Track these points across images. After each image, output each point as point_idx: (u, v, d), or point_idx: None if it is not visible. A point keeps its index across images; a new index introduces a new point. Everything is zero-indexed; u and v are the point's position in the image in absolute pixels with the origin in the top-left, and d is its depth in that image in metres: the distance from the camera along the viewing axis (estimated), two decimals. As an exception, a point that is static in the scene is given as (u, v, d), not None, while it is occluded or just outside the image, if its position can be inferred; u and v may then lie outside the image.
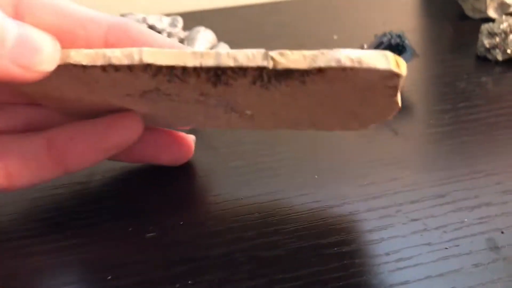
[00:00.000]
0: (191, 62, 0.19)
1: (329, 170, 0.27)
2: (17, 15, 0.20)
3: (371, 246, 0.22)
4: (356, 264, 0.21)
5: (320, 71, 0.18)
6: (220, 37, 0.42)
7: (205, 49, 0.40)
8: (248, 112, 0.23)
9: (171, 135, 0.27)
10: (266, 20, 0.52)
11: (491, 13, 0.47)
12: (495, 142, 0.29)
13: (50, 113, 0.25)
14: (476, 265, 0.21)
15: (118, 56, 0.19)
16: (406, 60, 0.36)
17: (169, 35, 0.38)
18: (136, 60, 0.19)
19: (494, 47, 0.40)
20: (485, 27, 0.40)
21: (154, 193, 0.26)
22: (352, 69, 0.18)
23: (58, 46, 0.19)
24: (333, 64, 0.18)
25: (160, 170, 0.28)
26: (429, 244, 0.22)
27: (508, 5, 0.47)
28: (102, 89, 0.21)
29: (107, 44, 0.22)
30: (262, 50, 0.19)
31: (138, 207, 0.25)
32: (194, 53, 0.19)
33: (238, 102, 0.22)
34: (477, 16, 0.48)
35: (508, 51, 0.39)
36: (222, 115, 0.24)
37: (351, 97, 0.21)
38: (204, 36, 0.40)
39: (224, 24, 0.51)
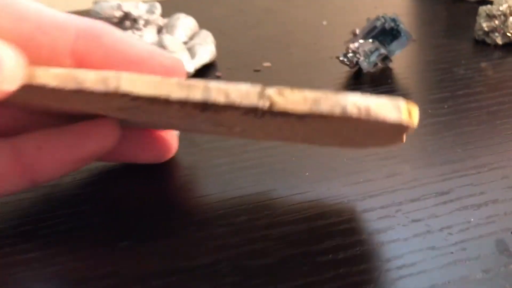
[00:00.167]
0: (176, 94, 0.17)
1: (321, 166, 0.25)
2: None
3: (369, 252, 0.20)
4: (354, 273, 0.19)
5: (322, 115, 0.16)
6: (202, 24, 0.40)
7: (186, 37, 0.37)
8: (238, 129, 0.21)
9: (151, 132, 0.25)
10: (251, 5, 0.50)
11: (489, -6, 0.45)
12: (498, 132, 0.27)
13: (17, 114, 0.22)
14: (485, 271, 0.19)
15: (92, 80, 0.17)
16: (402, 45, 0.34)
17: (147, 22, 0.36)
18: (111, 87, 0.17)
19: (493, 30, 0.38)
20: (483, 9, 0.38)
21: (130, 196, 0.24)
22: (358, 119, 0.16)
23: (21, 61, 0.17)
24: (337, 111, 0.16)
25: (138, 170, 0.26)
26: (433, 248, 0.20)
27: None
28: (73, 104, 0.19)
29: (75, 54, 0.19)
30: (258, 87, 0.17)
31: (113, 212, 0.23)
32: (180, 84, 0.17)
33: (228, 122, 0.20)
34: (473, -3, 0.46)
35: (508, 34, 0.37)
36: (209, 127, 0.22)
37: (353, 131, 0.19)
38: (185, 23, 0.38)
39: (206, 11, 0.49)
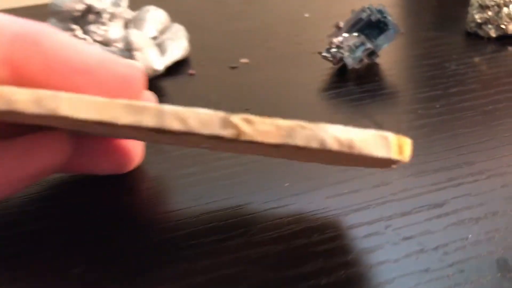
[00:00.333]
0: (123, 120, 0.15)
1: (302, 176, 0.23)
2: None
3: (356, 276, 0.18)
4: (338, 302, 0.17)
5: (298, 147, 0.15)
6: (174, 18, 0.38)
7: (156, 31, 0.35)
8: (206, 145, 0.19)
9: (110, 140, 0.23)
10: (228, -3, 0.48)
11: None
12: (495, 134, 0.25)
13: None
14: (487, 297, 0.17)
15: (25, 101, 0.15)
16: (389, 39, 0.32)
17: (112, 16, 0.33)
18: (47, 109, 0.15)
19: (486, 22, 0.36)
20: (475, -1, 0.37)
21: (87, 213, 0.22)
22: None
23: None
24: (314, 145, 0.14)
25: (97, 181, 0.23)
26: (427, 270, 0.18)
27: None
28: (12, 118, 0.17)
29: (12, 62, 0.17)
30: (221, 114, 0.15)
31: (66, 232, 0.21)
32: (129, 107, 0.15)
33: (191, 142, 0.18)
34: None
35: (502, 26, 0.36)
36: (174, 142, 0.20)
37: (338, 156, 0.17)
38: (154, 17, 0.36)
39: (178, 3, 0.46)
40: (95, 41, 0.33)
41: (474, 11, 0.36)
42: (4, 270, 0.19)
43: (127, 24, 0.35)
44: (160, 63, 0.32)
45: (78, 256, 0.20)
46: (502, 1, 0.35)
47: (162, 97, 0.31)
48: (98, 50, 0.18)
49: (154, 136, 0.17)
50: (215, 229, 0.20)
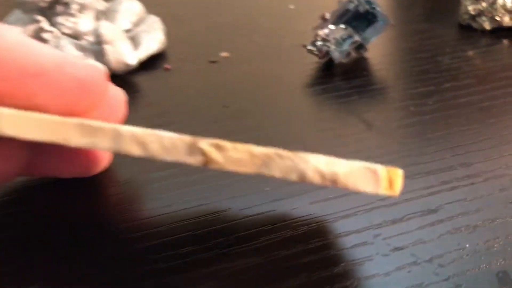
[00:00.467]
0: (76, 141, 0.14)
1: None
2: None
3: (342, 293, 0.17)
4: (323, 322, 0.16)
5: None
6: (150, 9, 0.36)
7: (130, 23, 0.33)
8: None
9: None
10: (209, -13, 0.46)
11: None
12: (492, 133, 0.24)
13: None
14: (487, 316, 0.16)
15: None
16: (378, 31, 0.30)
17: (82, 7, 0.32)
18: None
19: (480, 13, 0.35)
20: (469, -11, 0.35)
21: (49, 221, 0.20)
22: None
23: None
24: (293, 178, 0.13)
25: (61, 186, 0.22)
26: (421, 285, 0.17)
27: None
28: None
29: None
30: (187, 139, 0.13)
31: (24, 244, 0.19)
32: (82, 127, 0.14)
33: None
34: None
35: (497, 18, 0.34)
36: None
37: None
38: (128, 8, 0.34)
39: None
40: (63, 34, 0.31)
41: (467, 2, 0.35)
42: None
43: (98, 16, 0.33)
44: (133, 57, 0.30)
45: (34, 272, 0.18)
46: (497, -9, 0.34)
47: (136, 94, 0.30)
48: (53, 51, 0.16)
49: None
50: (189, 240, 0.19)
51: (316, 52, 0.31)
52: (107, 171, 0.23)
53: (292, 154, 0.13)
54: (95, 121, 0.14)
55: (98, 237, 0.19)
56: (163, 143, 0.13)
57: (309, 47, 0.31)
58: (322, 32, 0.31)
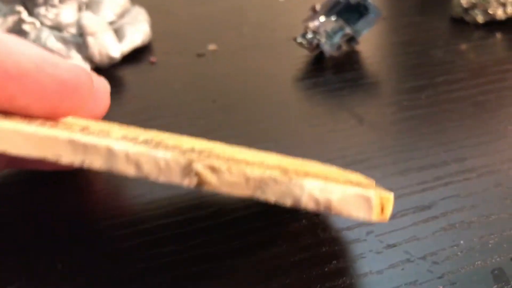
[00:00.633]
0: (66, 158, 0.13)
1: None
2: None
3: (334, 292, 0.16)
4: (314, 322, 0.15)
5: None
6: (135, 0, 0.36)
7: (114, 15, 0.33)
8: None
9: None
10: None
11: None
12: (487, 128, 0.24)
13: None
14: (482, 314, 0.16)
15: None
16: (370, 24, 0.30)
17: (64, -2, 0.31)
18: None
19: (473, 6, 0.35)
20: (462, -19, 0.35)
21: (30, 218, 0.20)
22: None
23: None
24: (288, 202, 0.14)
25: (43, 180, 0.21)
26: (414, 283, 0.16)
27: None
28: None
29: None
30: (182, 160, 0.13)
31: (5, 241, 0.19)
32: (74, 144, 0.13)
33: None
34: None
35: (490, 11, 0.34)
36: None
37: None
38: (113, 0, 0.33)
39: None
40: (44, 25, 0.31)
41: (460, -5, 0.35)
42: None
43: (81, 7, 0.33)
44: (117, 50, 0.30)
45: (14, 272, 0.17)
46: (490, -16, 0.34)
47: (120, 88, 0.29)
48: (34, 50, 0.16)
49: None
50: (175, 238, 0.19)
51: (307, 45, 0.31)
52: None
53: (287, 179, 0.13)
54: (87, 136, 0.14)
55: (80, 234, 0.19)
56: (157, 164, 0.13)
57: (299, 40, 0.31)
58: (312, 25, 0.30)
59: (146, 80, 0.30)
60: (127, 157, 0.13)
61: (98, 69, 0.30)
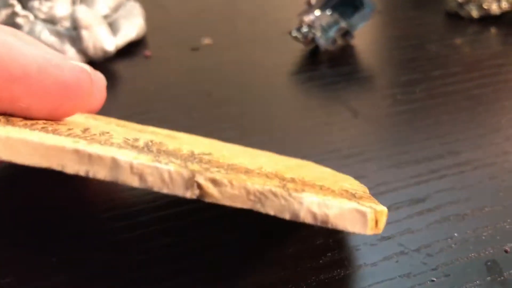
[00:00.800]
0: (71, 168, 0.14)
1: (269, 168, 0.21)
2: None
3: (328, 284, 0.16)
4: (308, 314, 0.16)
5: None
6: (129, -6, 0.36)
7: (108, 9, 0.33)
8: None
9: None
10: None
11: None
12: (482, 121, 0.24)
13: None
14: (476, 305, 0.16)
15: None
16: (365, 18, 0.30)
17: (58, -10, 0.31)
18: None
19: (468, 1, 0.35)
20: (457, -24, 0.35)
21: (22, 212, 0.20)
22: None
23: None
24: (287, 216, 0.14)
25: (34, 174, 0.21)
26: (408, 275, 0.17)
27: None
28: None
29: None
30: (185, 172, 0.14)
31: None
32: (79, 154, 0.13)
33: None
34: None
35: (485, 6, 0.34)
36: None
37: None
38: (107, -8, 0.33)
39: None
40: (38, 18, 0.31)
41: (455, -11, 0.35)
42: None
43: (75, 0, 0.33)
44: (111, 43, 0.30)
45: (7, 265, 0.17)
46: (485, -22, 0.34)
47: (115, 81, 0.29)
48: (37, 52, 0.16)
49: None
50: (169, 231, 0.19)
51: (302, 39, 0.31)
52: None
53: (287, 194, 0.14)
54: (92, 145, 0.14)
55: (73, 227, 0.19)
56: (161, 176, 0.14)
57: (294, 34, 0.31)
58: (308, 19, 0.30)
59: (141, 74, 0.30)
60: (132, 168, 0.14)
61: (93, 62, 0.30)
